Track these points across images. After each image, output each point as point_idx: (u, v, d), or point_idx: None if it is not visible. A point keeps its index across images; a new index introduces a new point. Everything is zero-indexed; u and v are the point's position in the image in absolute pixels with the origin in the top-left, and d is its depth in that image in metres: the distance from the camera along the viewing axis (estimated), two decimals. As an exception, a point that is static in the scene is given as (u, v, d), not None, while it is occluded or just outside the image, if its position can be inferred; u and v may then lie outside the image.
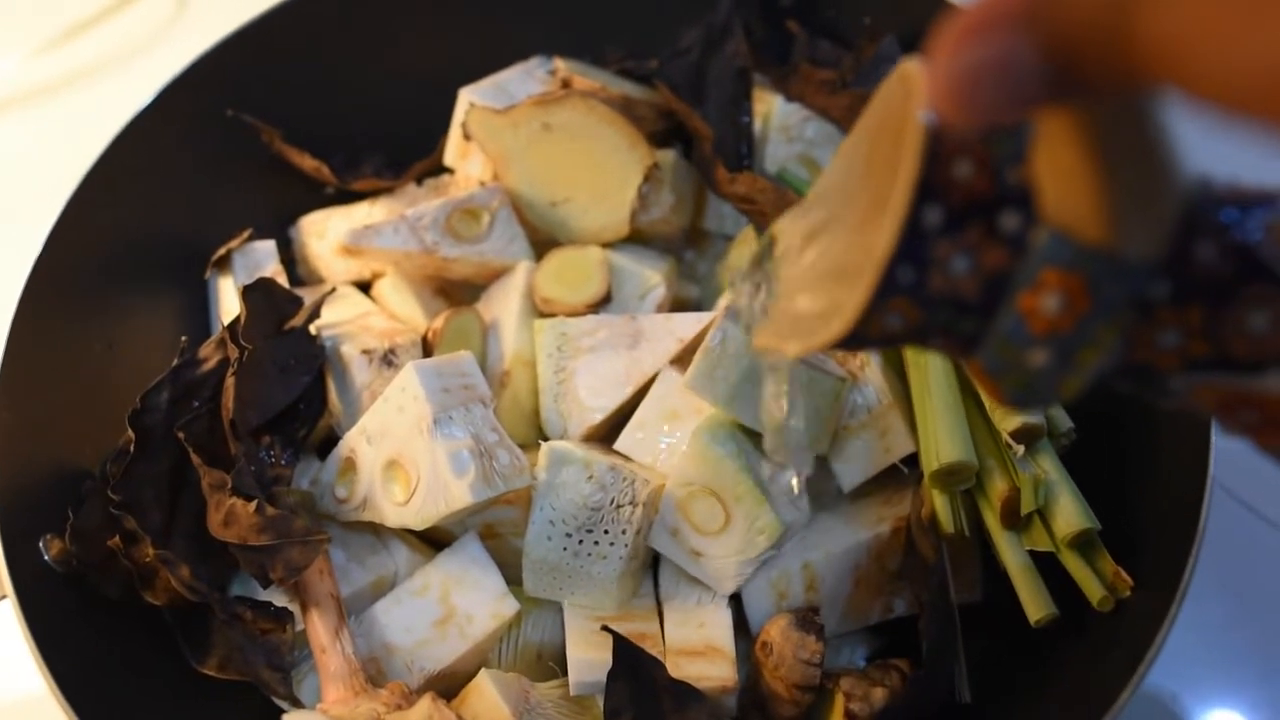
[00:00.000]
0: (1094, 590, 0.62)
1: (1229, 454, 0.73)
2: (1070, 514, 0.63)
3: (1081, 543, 0.63)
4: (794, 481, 0.66)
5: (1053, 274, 0.33)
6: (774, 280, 0.48)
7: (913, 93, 0.34)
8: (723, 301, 0.75)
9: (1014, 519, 0.64)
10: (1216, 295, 0.34)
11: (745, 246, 0.80)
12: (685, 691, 0.62)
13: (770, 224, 0.78)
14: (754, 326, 0.48)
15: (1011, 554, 0.64)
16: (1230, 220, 0.34)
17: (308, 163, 0.87)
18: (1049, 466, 0.64)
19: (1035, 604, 0.63)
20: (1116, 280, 0.33)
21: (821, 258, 0.45)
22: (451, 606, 0.69)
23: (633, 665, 0.62)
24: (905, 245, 0.34)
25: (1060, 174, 0.33)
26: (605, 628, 0.64)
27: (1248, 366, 0.34)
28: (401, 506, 0.67)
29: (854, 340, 0.37)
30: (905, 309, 0.35)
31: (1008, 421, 0.64)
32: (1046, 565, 0.64)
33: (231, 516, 0.65)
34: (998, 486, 0.64)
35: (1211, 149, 0.32)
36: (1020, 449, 0.64)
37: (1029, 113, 0.31)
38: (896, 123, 0.37)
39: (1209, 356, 0.34)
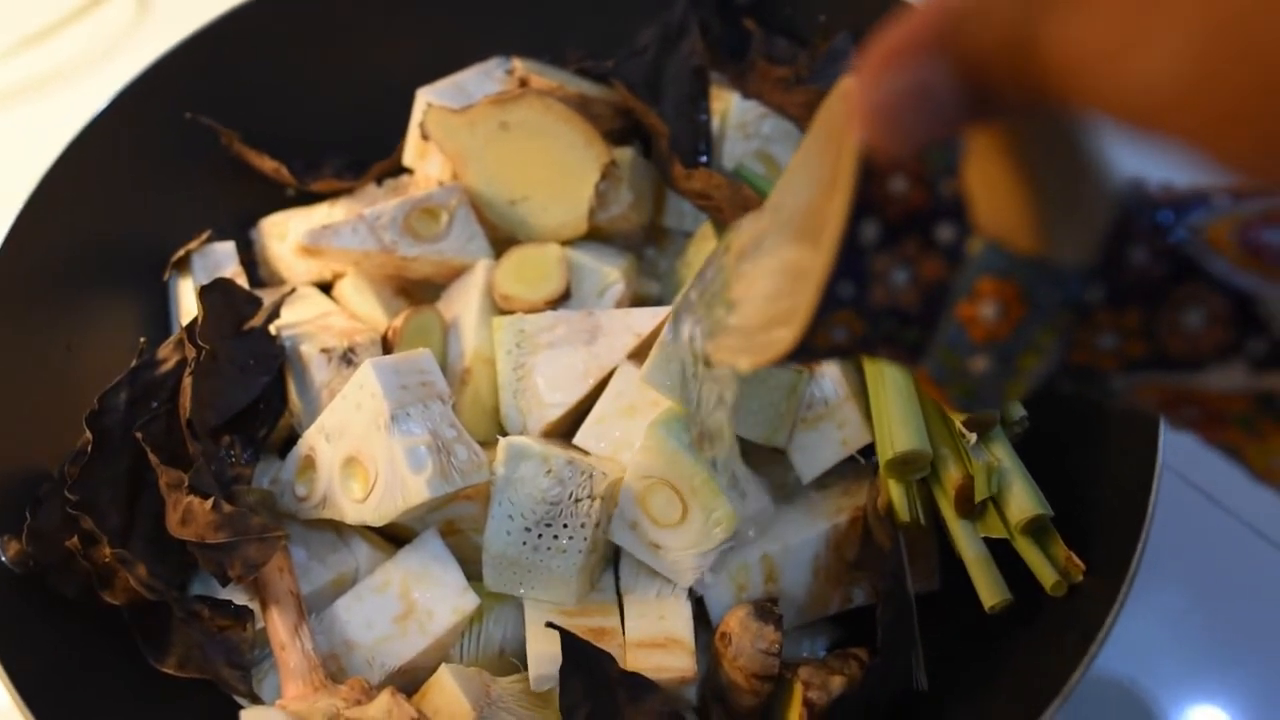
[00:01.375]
0: (1047, 576, 0.62)
1: (1182, 441, 0.75)
2: (1023, 501, 0.63)
3: (1035, 529, 0.64)
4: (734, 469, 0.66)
5: (988, 283, 0.34)
6: (726, 293, 0.49)
7: (850, 111, 0.35)
8: (680, 296, 0.75)
9: (968, 507, 0.65)
10: (1151, 296, 0.34)
11: (704, 243, 0.81)
12: (639, 683, 0.63)
13: (728, 220, 0.79)
14: (707, 342, 0.49)
15: (966, 541, 0.65)
16: (1163, 222, 0.35)
17: (267, 164, 0.87)
18: (1002, 454, 0.65)
19: (990, 590, 0.64)
20: (1050, 287, 0.34)
21: (771, 271, 0.46)
22: (412, 602, 0.69)
23: (583, 660, 0.62)
24: (844, 261, 0.35)
25: (991, 186, 0.33)
26: (550, 624, 0.64)
27: (1186, 364, 0.35)
28: (360, 503, 0.68)
29: (802, 354, 0.38)
30: (850, 321, 0.36)
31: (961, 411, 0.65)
32: (1001, 552, 0.64)
33: (189, 515, 0.65)
34: (952, 475, 0.65)
35: (1148, 151, 0.32)
36: (973, 437, 0.65)
37: (951, 133, 0.32)
38: (838, 139, 0.38)
39: (1147, 356, 0.35)
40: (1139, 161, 0.34)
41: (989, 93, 0.28)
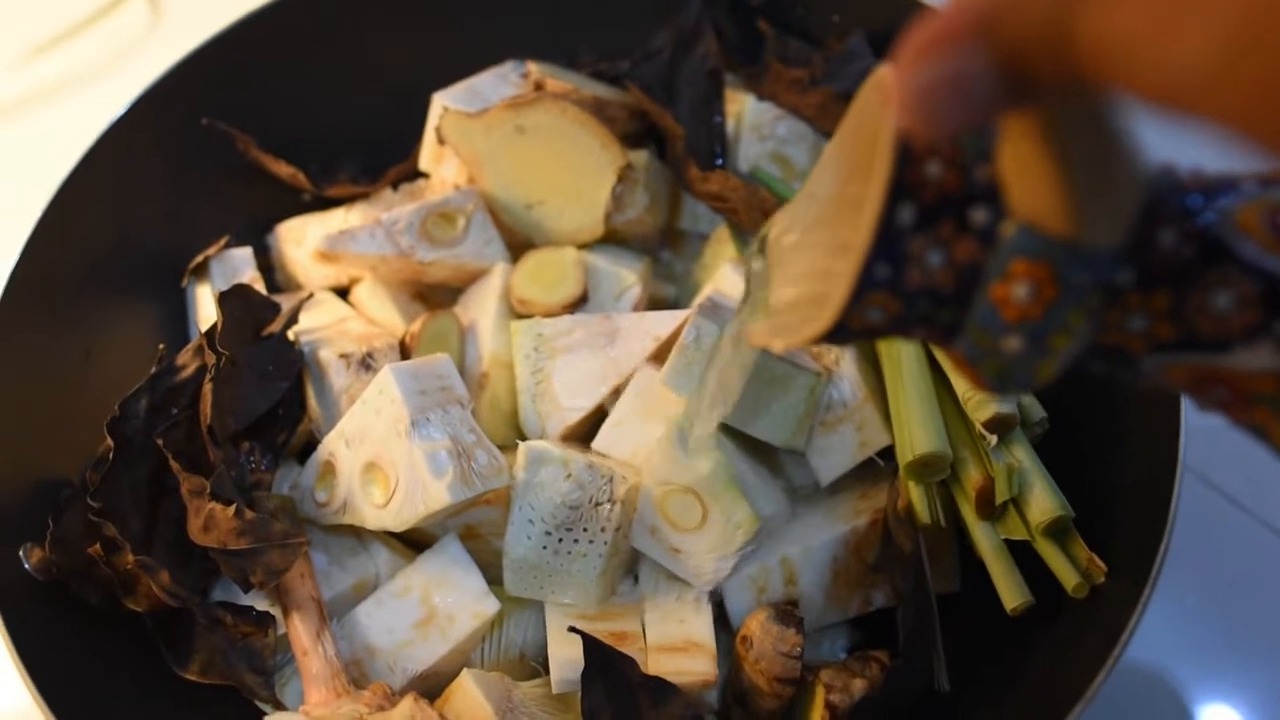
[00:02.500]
0: (1069, 577, 0.62)
1: (1201, 440, 0.75)
2: (1044, 502, 0.63)
3: (1056, 530, 0.63)
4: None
5: (1021, 264, 0.35)
6: (766, 278, 0.50)
7: (885, 99, 0.35)
8: (699, 298, 0.75)
9: (989, 508, 0.65)
10: (1181, 279, 0.35)
11: (720, 245, 0.81)
12: (661, 686, 0.63)
13: (744, 222, 0.79)
14: (746, 323, 0.50)
15: (987, 543, 0.65)
16: (1193, 206, 0.35)
17: (284, 169, 0.88)
18: (1022, 456, 0.65)
19: (1011, 592, 0.64)
20: (1082, 268, 0.35)
21: (808, 255, 0.47)
22: (433, 607, 0.69)
23: (605, 664, 0.62)
24: (881, 243, 0.36)
25: (1024, 170, 0.34)
26: (573, 628, 0.64)
27: (1215, 345, 0.36)
28: (381, 509, 0.68)
29: (839, 334, 0.39)
30: (885, 302, 0.37)
31: (981, 412, 0.65)
32: (1022, 553, 0.64)
33: (211, 521, 0.66)
34: (972, 477, 0.65)
35: (1179, 137, 0.33)
36: (993, 439, 0.65)
37: (989, 119, 0.33)
38: (872, 126, 0.39)
39: (1177, 337, 0.36)
40: (1170, 146, 0.34)
41: (1025, 79, 0.29)
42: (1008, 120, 0.34)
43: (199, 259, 0.83)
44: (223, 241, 0.84)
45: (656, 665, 0.66)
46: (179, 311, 0.84)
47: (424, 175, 0.88)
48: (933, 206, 0.35)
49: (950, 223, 0.35)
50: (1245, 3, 0.24)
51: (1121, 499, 0.65)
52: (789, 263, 0.49)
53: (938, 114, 0.30)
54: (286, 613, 0.68)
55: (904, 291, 0.36)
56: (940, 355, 0.69)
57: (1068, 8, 0.27)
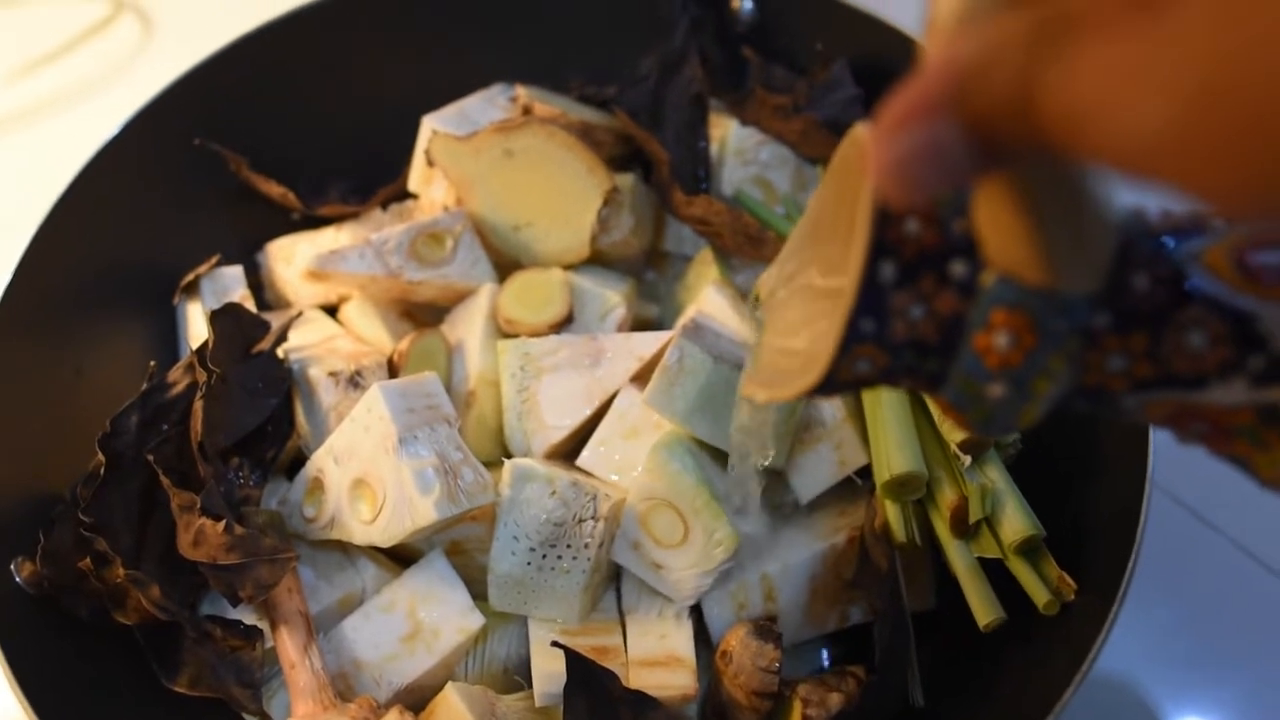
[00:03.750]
0: (1040, 594, 0.64)
1: (1170, 459, 0.76)
2: (1016, 521, 0.65)
3: (1027, 549, 0.65)
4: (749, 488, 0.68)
5: (1001, 314, 0.36)
6: (762, 332, 0.52)
7: (864, 163, 0.37)
8: (681, 319, 0.77)
9: (963, 527, 0.66)
10: (1156, 320, 0.37)
11: (703, 267, 0.83)
12: (642, 700, 0.64)
13: (728, 245, 0.80)
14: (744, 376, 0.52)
15: (961, 561, 0.67)
16: (1163, 249, 0.37)
17: (274, 189, 0.89)
18: (995, 476, 0.66)
19: (984, 609, 0.65)
20: (1059, 315, 0.36)
21: (798, 309, 0.48)
22: (418, 622, 0.70)
23: (587, 678, 0.64)
24: (865, 299, 0.37)
25: (999, 225, 0.35)
26: (556, 643, 0.65)
27: (1191, 382, 0.37)
28: (368, 525, 0.69)
29: (829, 386, 0.40)
30: (873, 354, 0.38)
31: (955, 433, 0.66)
32: (994, 571, 0.66)
33: (201, 536, 0.67)
34: (947, 496, 0.67)
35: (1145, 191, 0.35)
36: (968, 460, 0.66)
37: (963, 183, 0.34)
38: (853, 185, 0.40)
39: (1155, 376, 0.37)
40: (1137, 193, 0.36)
41: (995, 146, 0.30)
42: (982, 180, 0.35)
43: (190, 277, 0.84)
44: (214, 260, 0.85)
45: (638, 679, 0.68)
46: (169, 329, 0.85)
47: (413, 196, 0.89)
48: (913, 262, 0.37)
49: (931, 276, 0.37)
50: (1196, 70, 0.25)
51: (1092, 518, 0.67)
52: (780, 316, 0.50)
53: (914, 182, 0.31)
54: (274, 626, 0.69)
55: (890, 344, 0.38)
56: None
57: (1032, 78, 0.28)
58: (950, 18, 0.31)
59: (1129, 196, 0.36)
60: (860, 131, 0.40)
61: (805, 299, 0.48)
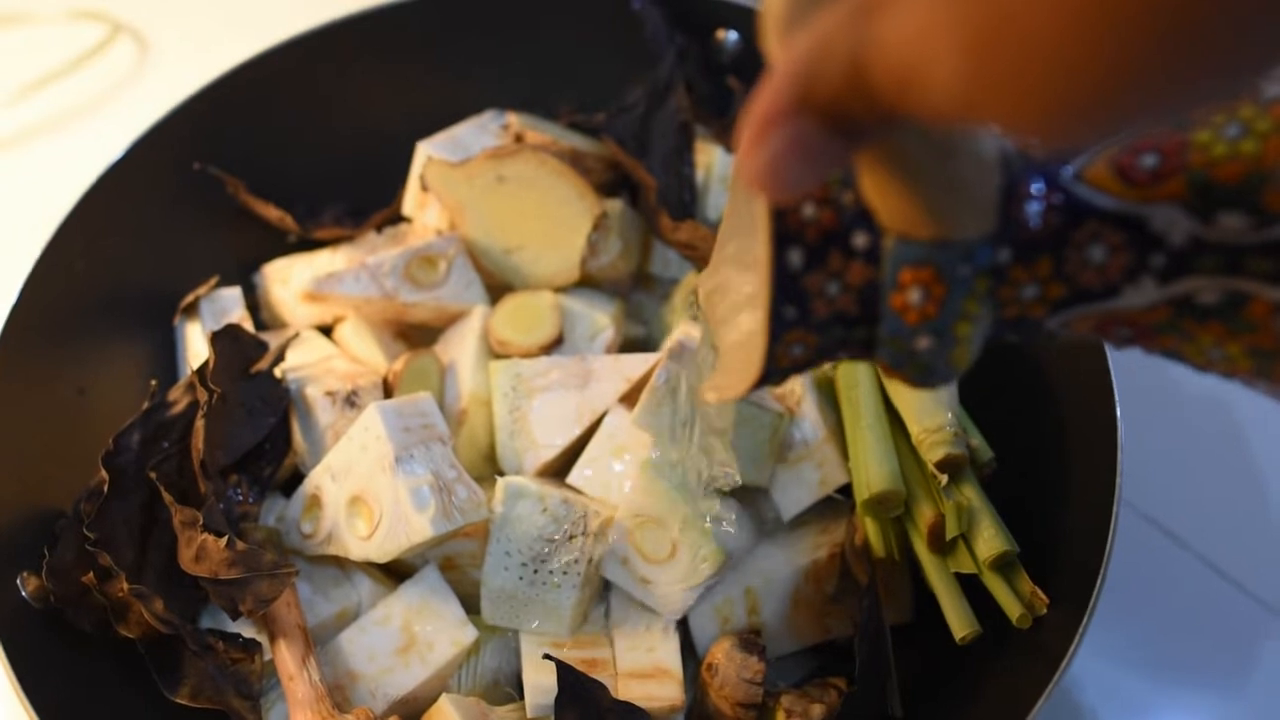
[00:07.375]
0: (1013, 608, 0.66)
1: (1139, 476, 0.79)
2: (991, 538, 0.67)
3: (1002, 564, 0.67)
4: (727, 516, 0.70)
5: (908, 272, 0.38)
6: (707, 336, 0.54)
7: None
8: (668, 342, 0.79)
9: (940, 543, 0.68)
10: (1055, 243, 0.39)
11: (688, 289, 0.85)
12: (631, 711, 0.66)
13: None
14: (701, 384, 0.54)
15: (938, 576, 0.69)
16: (1048, 175, 0.39)
17: (272, 212, 0.91)
18: (971, 494, 0.68)
19: (960, 622, 0.67)
20: (961, 262, 0.38)
21: (731, 309, 0.51)
22: (413, 635, 0.72)
23: (577, 690, 0.65)
24: (781, 289, 0.39)
25: (884, 190, 0.38)
26: (547, 655, 0.67)
27: (1104, 293, 0.39)
28: (365, 541, 0.71)
29: (771, 377, 0.42)
30: (803, 338, 0.41)
31: (933, 453, 0.69)
32: (970, 586, 0.68)
33: (203, 552, 0.69)
34: (925, 513, 0.69)
35: None
36: (944, 478, 0.68)
37: (838, 166, 0.35)
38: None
39: (1068, 295, 0.39)
40: None
41: (851, 125, 0.32)
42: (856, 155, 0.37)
43: (190, 298, 0.86)
44: (213, 281, 0.87)
45: (626, 691, 0.70)
46: (169, 349, 0.87)
47: (407, 220, 0.91)
48: (818, 243, 0.39)
49: (838, 253, 0.39)
50: (972, 19, 0.27)
51: (1063, 535, 0.69)
52: (715, 315, 0.53)
53: (789, 181, 0.33)
54: (273, 639, 0.70)
55: (816, 324, 0.40)
56: (887, 383, 0.73)
57: (858, 58, 0.30)
58: (780, 20, 0.33)
59: (996, 142, 0.38)
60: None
61: (733, 295, 0.50)
